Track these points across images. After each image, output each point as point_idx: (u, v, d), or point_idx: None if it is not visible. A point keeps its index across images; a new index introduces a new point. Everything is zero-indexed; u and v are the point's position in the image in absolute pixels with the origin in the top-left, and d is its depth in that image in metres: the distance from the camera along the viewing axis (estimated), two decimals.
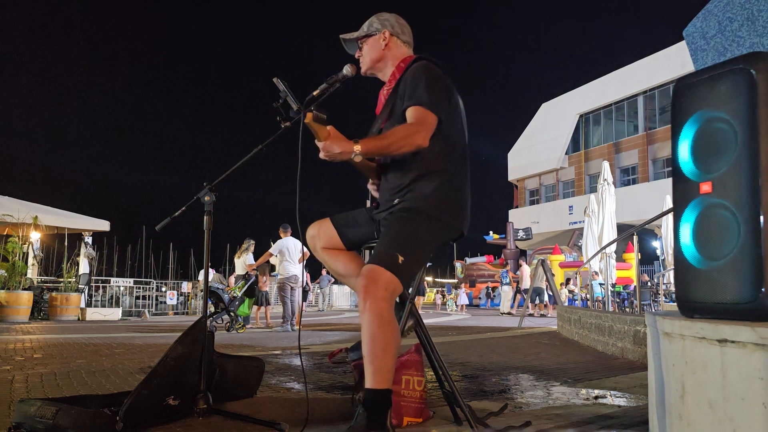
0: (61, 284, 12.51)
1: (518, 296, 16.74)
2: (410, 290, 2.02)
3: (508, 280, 17.62)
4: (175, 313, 16.11)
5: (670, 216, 3.61)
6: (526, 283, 16.23)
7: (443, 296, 24.69)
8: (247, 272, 9.18)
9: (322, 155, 1.85)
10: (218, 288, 8.80)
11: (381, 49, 2.14)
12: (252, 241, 10.16)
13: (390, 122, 2.02)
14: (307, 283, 19.01)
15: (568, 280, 18.59)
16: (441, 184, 1.95)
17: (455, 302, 22.14)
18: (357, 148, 1.82)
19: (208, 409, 2.19)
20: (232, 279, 11.43)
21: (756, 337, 1.18)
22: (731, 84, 1.38)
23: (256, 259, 9.59)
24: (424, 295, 21.71)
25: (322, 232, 2.13)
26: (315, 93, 2.08)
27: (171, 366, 2.14)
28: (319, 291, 21.55)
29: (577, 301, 16.45)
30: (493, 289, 25.62)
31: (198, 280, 19.12)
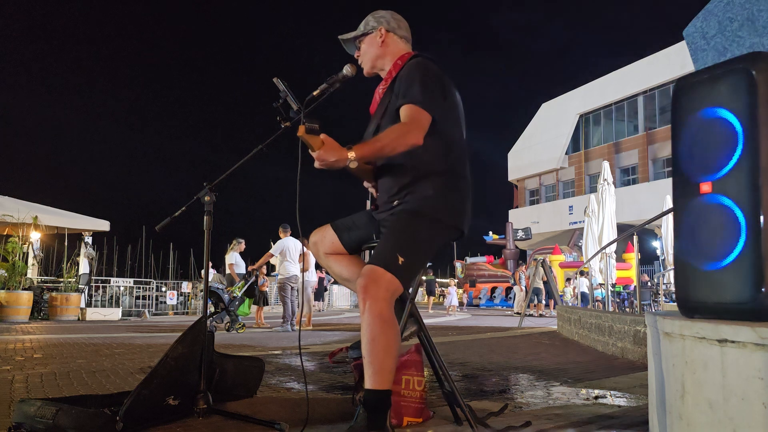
0: (61, 284, 12.50)
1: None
2: (410, 290, 2.02)
3: (514, 282, 17.79)
4: (175, 313, 16.11)
5: (670, 216, 3.62)
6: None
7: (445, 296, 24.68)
8: (247, 272, 9.19)
9: (317, 165, 1.84)
10: (218, 288, 8.80)
11: (378, 46, 2.13)
12: (241, 241, 10.13)
13: (385, 121, 2.01)
14: (322, 281, 18.88)
15: (568, 280, 18.61)
16: (441, 184, 1.95)
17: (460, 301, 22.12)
18: (351, 154, 1.81)
19: (208, 409, 2.19)
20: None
21: (756, 337, 1.18)
22: (731, 84, 1.38)
23: (244, 258, 9.62)
24: (433, 294, 21.76)
25: (324, 238, 2.13)
26: (315, 93, 2.08)
27: (171, 366, 2.14)
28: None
29: (576, 301, 16.45)
30: (508, 289, 25.45)
31: (200, 279, 19.10)
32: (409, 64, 2.02)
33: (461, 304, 23.54)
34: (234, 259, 10.00)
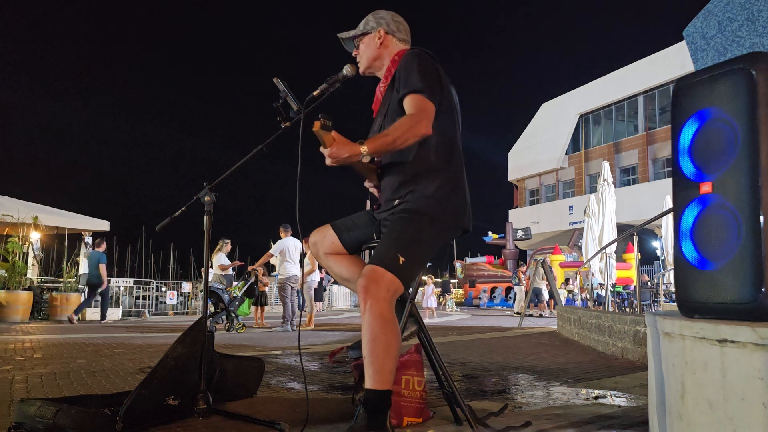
0: (61, 284, 12.49)
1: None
2: (410, 290, 2.02)
3: (516, 281, 17.79)
4: (175, 313, 16.11)
5: (670, 216, 3.62)
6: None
7: (443, 296, 24.67)
8: (247, 272, 9.19)
9: (328, 162, 1.83)
10: (218, 288, 8.80)
11: (377, 47, 2.13)
12: (227, 241, 10.11)
13: (388, 119, 2.01)
14: (321, 280, 18.76)
15: (567, 280, 18.62)
16: (442, 183, 1.94)
17: (454, 302, 22.13)
18: (364, 149, 1.80)
19: (208, 409, 2.19)
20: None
21: (756, 337, 1.18)
22: (731, 84, 1.38)
23: (243, 258, 9.61)
24: (449, 293, 21.78)
25: (324, 238, 2.12)
26: (315, 93, 2.08)
27: (171, 366, 2.14)
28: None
29: (576, 302, 16.45)
30: (508, 289, 25.40)
31: (200, 279, 19.09)
32: (405, 55, 2.02)
33: (460, 304, 23.45)
34: (223, 260, 9.99)
